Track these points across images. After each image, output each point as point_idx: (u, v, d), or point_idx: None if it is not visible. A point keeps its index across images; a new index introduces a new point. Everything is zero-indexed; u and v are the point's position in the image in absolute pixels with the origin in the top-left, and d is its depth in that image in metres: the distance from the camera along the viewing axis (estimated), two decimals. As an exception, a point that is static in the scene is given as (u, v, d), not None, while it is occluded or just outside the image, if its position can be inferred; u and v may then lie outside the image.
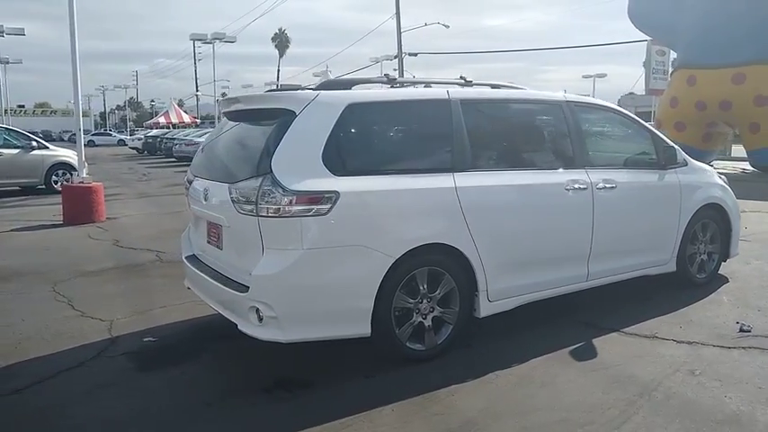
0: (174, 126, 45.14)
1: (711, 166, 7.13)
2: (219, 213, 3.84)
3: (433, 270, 3.83)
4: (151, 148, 35.70)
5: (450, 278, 3.89)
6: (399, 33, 38.76)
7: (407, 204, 3.74)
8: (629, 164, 5.01)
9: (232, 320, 3.75)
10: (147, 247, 7.81)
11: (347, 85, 3.96)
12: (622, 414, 3.15)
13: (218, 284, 3.83)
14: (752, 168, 17.13)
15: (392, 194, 3.69)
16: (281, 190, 3.38)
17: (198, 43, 52.34)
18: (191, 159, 5.04)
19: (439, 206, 3.83)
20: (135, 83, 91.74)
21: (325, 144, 3.55)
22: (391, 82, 4.19)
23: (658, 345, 4.13)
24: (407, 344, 3.80)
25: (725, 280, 5.63)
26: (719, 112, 16.60)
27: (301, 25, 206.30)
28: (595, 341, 4.21)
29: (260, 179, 3.45)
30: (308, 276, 3.46)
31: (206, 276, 4.04)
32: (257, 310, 3.47)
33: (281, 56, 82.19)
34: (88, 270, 6.60)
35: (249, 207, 3.49)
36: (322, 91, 3.76)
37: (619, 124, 5.20)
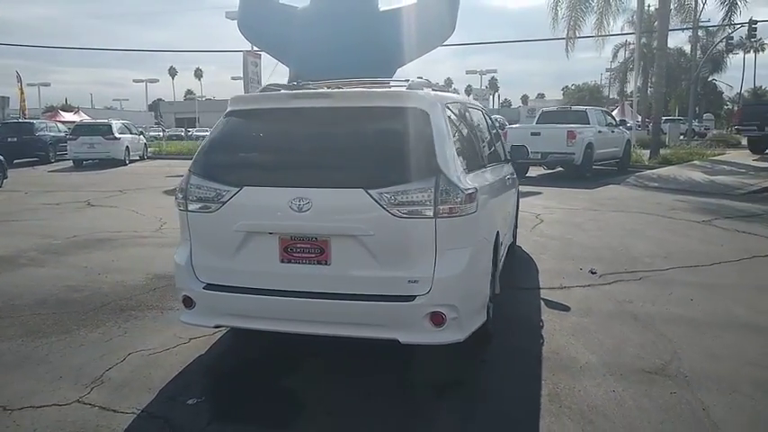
0: None
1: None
2: (350, 223, 3.41)
3: None
4: None
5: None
6: None
7: (493, 197, 4.15)
8: (503, 159, 6.31)
9: (380, 337, 3.47)
10: None
11: (418, 87, 4.00)
12: (659, 336, 4.40)
13: (353, 302, 3.42)
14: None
15: (489, 188, 4.05)
16: (457, 189, 3.38)
17: None
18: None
19: (493, 198, 4.35)
20: None
21: (453, 143, 3.66)
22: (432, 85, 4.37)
23: (577, 291, 5.57)
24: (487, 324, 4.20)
25: (520, 245, 7.54)
26: (333, 120, 19.61)
27: None
28: (544, 297, 5.37)
29: (432, 180, 3.34)
30: (474, 272, 3.56)
31: (307, 300, 3.48)
32: (436, 314, 3.36)
33: None
34: None
35: (415, 209, 3.34)
36: (427, 90, 3.77)
37: (492, 126, 6.42)
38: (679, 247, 7.45)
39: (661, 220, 9.47)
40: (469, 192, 3.47)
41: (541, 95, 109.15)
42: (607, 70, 48.64)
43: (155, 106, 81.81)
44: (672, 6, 19.61)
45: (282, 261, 3.55)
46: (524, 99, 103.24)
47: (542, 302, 5.22)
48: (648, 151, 20.40)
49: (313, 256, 3.51)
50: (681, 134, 35.11)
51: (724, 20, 21.68)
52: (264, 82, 25.44)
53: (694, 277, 6.04)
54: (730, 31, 34.53)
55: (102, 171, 19.98)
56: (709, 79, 49.91)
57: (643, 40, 45.11)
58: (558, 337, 4.39)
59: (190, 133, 50.89)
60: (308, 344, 4.08)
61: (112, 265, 6.71)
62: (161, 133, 40.91)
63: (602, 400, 3.39)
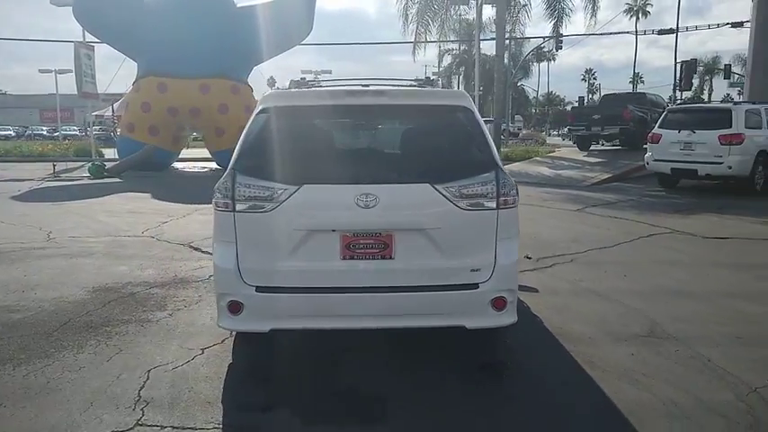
0: None
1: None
2: (417, 217, 3.50)
3: None
4: None
5: None
6: None
7: None
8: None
9: (446, 325, 3.63)
10: None
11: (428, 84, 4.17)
12: (626, 307, 5.09)
13: (419, 294, 3.53)
14: (217, 167, 19.91)
15: None
16: (512, 182, 3.65)
17: None
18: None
19: None
20: None
21: None
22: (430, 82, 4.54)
23: (529, 275, 6.10)
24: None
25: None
26: (190, 118, 18.58)
27: None
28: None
29: (493, 173, 3.57)
30: (518, 259, 3.84)
31: (372, 295, 3.52)
32: (499, 299, 3.60)
33: None
34: None
35: (479, 202, 3.54)
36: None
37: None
38: (577, 232, 8.46)
39: (543, 210, 10.60)
40: (516, 185, 3.76)
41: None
42: (434, 74, 51.90)
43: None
44: (506, 17, 21.70)
45: (344, 258, 3.54)
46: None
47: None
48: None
49: (376, 251, 3.55)
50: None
51: (553, 31, 24.49)
52: (106, 79, 23.10)
53: (610, 257, 6.96)
54: (541, 43, 39.02)
55: None
56: (519, 84, 55.75)
57: (464, 47, 49.15)
58: (548, 314, 4.86)
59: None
60: (338, 340, 4.11)
61: (28, 280, 5.90)
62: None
63: (630, 362, 3.90)
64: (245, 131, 3.73)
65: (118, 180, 16.37)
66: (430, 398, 3.47)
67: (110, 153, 24.20)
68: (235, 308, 3.58)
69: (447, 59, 51.34)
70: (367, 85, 4.17)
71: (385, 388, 3.58)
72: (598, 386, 3.57)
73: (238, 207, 3.53)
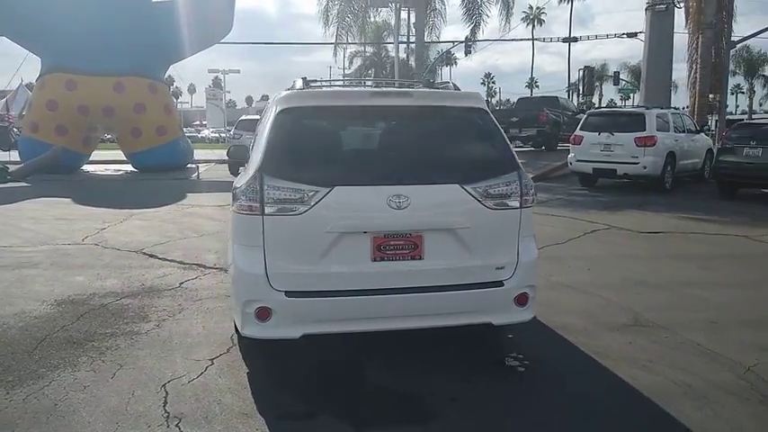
0: None
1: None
2: (448, 217, 3.55)
3: None
4: None
5: None
6: None
7: None
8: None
9: (474, 323, 3.72)
10: None
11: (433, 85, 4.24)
12: (603, 299, 5.42)
13: (449, 293, 3.58)
14: (133, 169, 18.85)
15: None
16: (531, 182, 3.80)
17: None
18: None
19: None
20: None
21: None
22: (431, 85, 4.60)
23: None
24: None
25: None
26: (103, 118, 17.47)
27: None
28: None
29: (515, 173, 3.70)
30: None
31: (403, 296, 3.53)
32: (522, 295, 3.73)
33: None
34: None
35: (504, 201, 3.66)
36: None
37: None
38: (526, 229, 8.82)
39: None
40: (534, 184, 3.91)
41: (266, 97, 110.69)
42: (345, 77, 52.06)
43: None
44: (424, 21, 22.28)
45: (375, 260, 3.52)
46: (249, 100, 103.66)
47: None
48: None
49: (406, 252, 3.56)
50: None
51: (471, 35, 25.33)
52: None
53: (566, 252, 7.33)
54: (451, 47, 40.18)
55: None
56: (426, 87, 57.26)
57: (373, 49, 49.61)
58: (536, 308, 5.00)
59: None
60: (347, 341, 4.06)
61: (-26, 295, 5.36)
62: None
63: (632, 350, 4.16)
64: (266, 132, 3.60)
65: (24, 184, 15.10)
66: (466, 394, 3.52)
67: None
68: (263, 314, 3.46)
69: (357, 62, 51.51)
70: (379, 86, 4.16)
71: (416, 387, 3.59)
72: (614, 374, 3.78)
73: (267, 210, 3.41)
